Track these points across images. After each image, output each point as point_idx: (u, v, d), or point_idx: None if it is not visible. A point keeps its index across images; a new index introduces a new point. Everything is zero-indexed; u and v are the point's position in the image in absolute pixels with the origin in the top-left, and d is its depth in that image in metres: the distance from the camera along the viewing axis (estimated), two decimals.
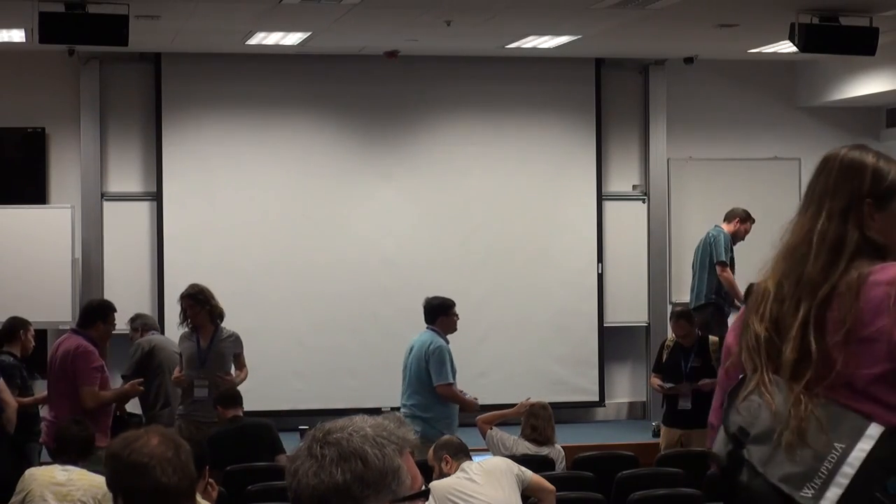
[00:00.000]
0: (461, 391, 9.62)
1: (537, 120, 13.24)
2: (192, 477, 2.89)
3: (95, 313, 8.91)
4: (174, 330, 10.05)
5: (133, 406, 9.92)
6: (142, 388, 9.00)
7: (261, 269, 12.62)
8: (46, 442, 8.59)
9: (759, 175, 13.60)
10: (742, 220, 11.95)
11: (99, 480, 6.63)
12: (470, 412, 9.53)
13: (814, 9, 10.10)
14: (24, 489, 6.56)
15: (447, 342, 9.54)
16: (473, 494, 6.70)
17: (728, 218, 11.99)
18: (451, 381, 9.46)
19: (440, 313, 9.58)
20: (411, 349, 9.63)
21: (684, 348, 9.98)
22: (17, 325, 9.48)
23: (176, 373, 9.34)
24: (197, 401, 9.12)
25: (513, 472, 6.89)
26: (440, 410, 9.47)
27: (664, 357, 10.07)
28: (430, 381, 9.45)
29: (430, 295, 9.76)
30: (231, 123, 12.78)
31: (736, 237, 11.92)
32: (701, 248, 12.05)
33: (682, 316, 10.12)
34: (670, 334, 10.37)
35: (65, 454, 6.78)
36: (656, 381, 10.11)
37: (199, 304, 9.36)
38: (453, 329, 9.65)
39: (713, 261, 11.86)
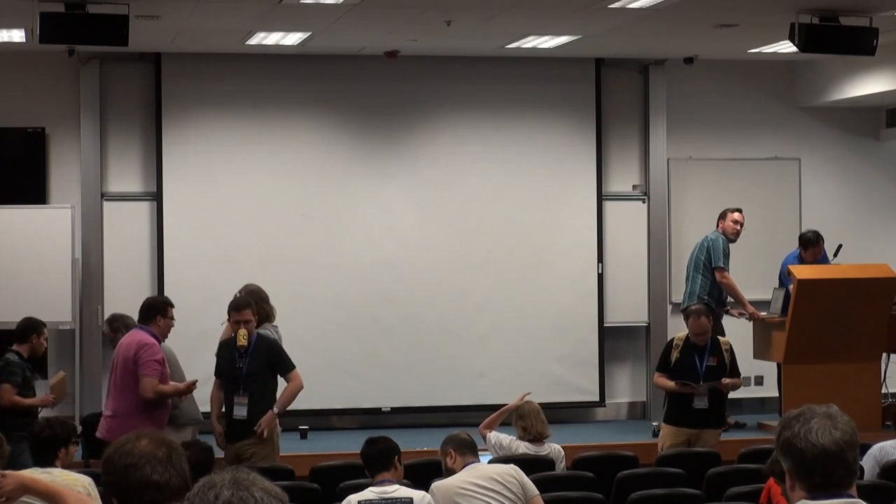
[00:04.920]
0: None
1: (537, 120, 13.23)
2: (186, 477, 2.87)
3: (154, 309, 9.01)
4: (174, 330, 10.01)
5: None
6: (195, 387, 8.99)
7: (260, 270, 12.56)
8: (105, 437, 8.68)
9: (759, 175, 13.61)
10: (723, 216, 12.17)
11: (79, 478, 6.62)
12: None
13: (814, 9, 10.10)
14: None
15: None
16: (478, 497, 6.68)
17: (719, 219, 12.21)
18: None
19: None
20: None
21: (698, 347, 9.84)
22: (29, 329, 9.56)
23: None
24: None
25: (518, 480, 6.86)
26: None
27: (674, 356, 9.88)
28: None
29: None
30: (231, 123, 12.77)
31: (727, 233, 12.09)
32: (696, 250, 12.13)
33: (704, 312, 9.96)
34: (679, 333, 10.24)
35: (42, 456, 6.75)
36: (665, 380, 9.92)
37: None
38: None
39: (707, 263, 11.94)
